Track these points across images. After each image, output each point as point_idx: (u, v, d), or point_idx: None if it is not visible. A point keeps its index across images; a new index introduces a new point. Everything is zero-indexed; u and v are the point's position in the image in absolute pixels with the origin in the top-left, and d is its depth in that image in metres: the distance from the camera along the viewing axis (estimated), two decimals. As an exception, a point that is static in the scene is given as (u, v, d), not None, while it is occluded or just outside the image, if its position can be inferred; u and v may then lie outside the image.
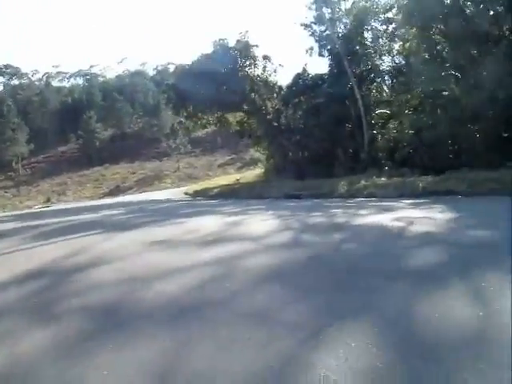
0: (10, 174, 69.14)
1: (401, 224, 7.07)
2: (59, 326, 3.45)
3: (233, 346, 2.73)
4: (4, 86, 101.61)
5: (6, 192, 61.76)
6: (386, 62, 27.60)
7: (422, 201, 10.99)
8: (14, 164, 70.71)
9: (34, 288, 4.80)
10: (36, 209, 37.80)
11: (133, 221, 11.34)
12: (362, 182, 16.39)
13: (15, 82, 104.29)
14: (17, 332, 3.38)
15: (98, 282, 4.79)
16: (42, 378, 2.52)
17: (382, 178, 16.75)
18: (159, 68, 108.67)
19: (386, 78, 28.19)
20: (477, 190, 11.41)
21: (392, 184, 15.13)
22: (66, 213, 18.11)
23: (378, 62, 27.19)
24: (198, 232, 7.94)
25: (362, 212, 9.51)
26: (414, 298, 3.36)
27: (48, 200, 54.61)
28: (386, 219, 7.64)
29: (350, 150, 25.68)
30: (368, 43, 26.79)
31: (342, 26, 27.08)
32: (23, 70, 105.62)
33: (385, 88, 28.51)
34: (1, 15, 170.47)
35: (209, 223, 9.32)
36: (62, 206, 39.39)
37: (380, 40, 26.87)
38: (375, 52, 26.83)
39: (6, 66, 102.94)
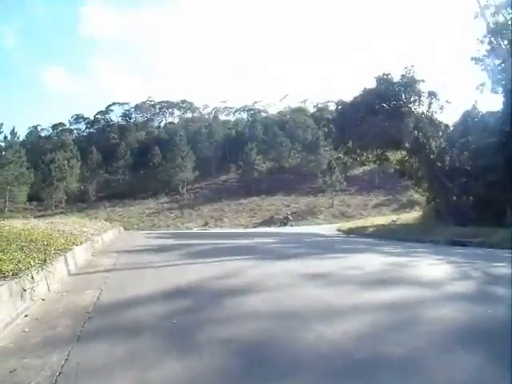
0: (176, 197, 74.95)
1: None
2: (196, 359, 2.93)
3: None
4: (179, 118, 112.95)
5: (170, 213, 66.87)
6: None
7: None
8: (180, 188, 76.74)
9: (178, 307, 4.52)
10: (194, 230, 40.08)
11: (287, 251, 10.95)
12: (546, 234, 14.05)
13: (188, 115, 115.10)
14: (147, 358, 2.97)
15: (249, 311, 4.28)
16: None
17: None
18: (319, 105, 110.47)
19: None
20: None
21: None
22: (221, 236, 18.58)
23: None
24: (361, 269, 7.17)
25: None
26: None
27: (206, 224, 57.70)
28: None
29: (526, 197, 22.70)
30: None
31: (521, 58, 24.44)
32: (196, 105, 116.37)
33: None
34: (181, 56, 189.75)
35: (370, 261, 8.47)
36: (217, 230, 41.21)
37: None
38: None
39: (182, 101, 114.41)
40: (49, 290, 5.30)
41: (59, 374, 2.70)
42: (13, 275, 4.47)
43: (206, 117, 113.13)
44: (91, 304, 4.59)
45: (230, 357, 3.01)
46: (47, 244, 7.01)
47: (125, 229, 29.90)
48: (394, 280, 6.08)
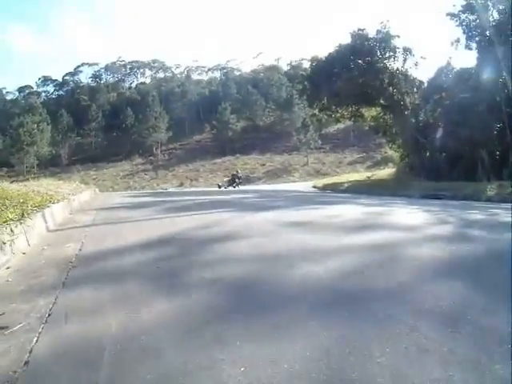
0: (150, 158, 74.20)
1: None
2: (185, 298, 2.96)
3: (427, 358, 1.93)
4: (151, 78, 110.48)
5: (145, 174, 66.45)
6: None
7: None
8: (154, 149, 75.82)
9: (161, 254, 4.50)
10: (170, 190, 39.90)
11: (266, 204, 11.02)
12: (517, 186, 14.42)
13: (160, 75, 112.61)
14: (135, 299, 2.98)
15: (233, 255, 4.32)
16: (161, 357, 2.02)
17: (537, 185, 14.51)
18: (293, 63, 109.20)
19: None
20: None
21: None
22: (198, 194, 18.55)
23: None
24: (340, 217, 7.28)
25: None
26: None
27: (181, 184, 57.71)
28: None
29: (497, 153, 23.15)
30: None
31: (496, 14, 24.39)
32: (167, 64, 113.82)
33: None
34: (151, 15, 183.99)
35: (349, 211, 8.59)
36: (193, 189, 41.09)
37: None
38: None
39: (154, 61, 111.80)
40: (28, 245, 5.22)
41: (48, 315, 2.69)
42: (-10, 229, 4.39)
43: (179, 76, 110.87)
44: (73, 255, 4.54)
45: (218, 294, 3.04)
46: (23, 202, 6.86)
47: (99, 191, 29.58)
48: (373, 225, 6.21)
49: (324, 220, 6.95)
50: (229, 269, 3.73)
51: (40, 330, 2.44)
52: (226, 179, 34.18)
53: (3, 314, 2.77)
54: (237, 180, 33.31)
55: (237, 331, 2.29)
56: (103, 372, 1.89)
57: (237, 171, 36.39)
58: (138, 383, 1.80)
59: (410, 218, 7.31)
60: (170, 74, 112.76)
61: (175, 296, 3.01)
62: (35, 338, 2.31)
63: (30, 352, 2.15)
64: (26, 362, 2.04)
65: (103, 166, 70.89)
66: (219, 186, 33.43)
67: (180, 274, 3.63)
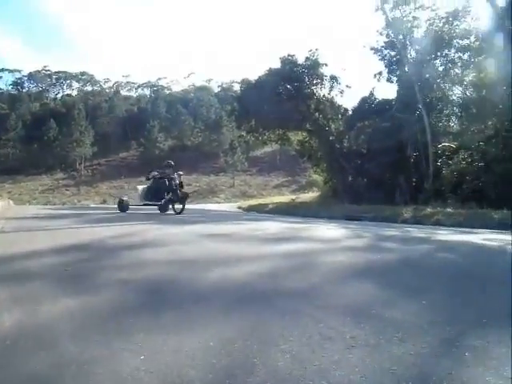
0: (72, 173, 71.56)
1: (493, 244, 6.16)
2: (91, 296, 2.81)
3: (330, 344, 1.94)
4: (78, 91, 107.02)
5: (66, 190, 63.93)
6: (455, 93, 26.33)
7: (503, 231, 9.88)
8: (77, 164, 73.21)
9: (73, 258, 4.28)
10: (92, 206, 38.61)
11: (188, 219, 10.88)
12: (429, 210, 15.33)
13: (88, 88, 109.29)
14: (37, 297, 2.77)
15: (147, 259, 4.21)
16: (55, 349, 1.87)
17: (448, 209, 15.56)
18: (224, 85, 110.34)
19: (456, 108, 26.90)
20: None
21: (462, 214, 13.94)
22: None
23: (448, 92, 25.93)
24: (261, 231, 7.35)
25: (441, 232, 8.31)
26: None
27: (104, 201, 55.85)
28: (474, 238, 6.67)
29: (413, 179, 24.54)
30: (440, 71, 25.68)
31: (414, 53, 26.24)
32: (96, 78, 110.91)
33: (453, 119, 27.23)
34: (81, 26, 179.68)
35: (270, 226, 8.69)
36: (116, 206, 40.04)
37: (452, 70, 25.62)
38: (445, 81, 25.59)
39: (82, 73, 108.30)
40: None
41: None
42: None
43: (107, 91, 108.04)
44: (-27, 258, 4.23)
45: (129, 293, 2.92)
46: None
47: (14, 204, 28.05)
48: (292, 238, 6.33)
49: (246, 232, 7.00)
50: (144, 271, 3.60)
51: None
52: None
53: None
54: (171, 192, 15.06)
55: (142, 325, 2.19)
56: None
57: (168, 162, 17.95)
58: (25, 372, 1.66)
59: (329, 232, 7.52)
60: (99, 88, 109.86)
61: (82, 294, 2.84)
62: None
63: None
64: None
65: (21, 179, 67.39)
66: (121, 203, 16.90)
67: (91, 275, 3.46)
